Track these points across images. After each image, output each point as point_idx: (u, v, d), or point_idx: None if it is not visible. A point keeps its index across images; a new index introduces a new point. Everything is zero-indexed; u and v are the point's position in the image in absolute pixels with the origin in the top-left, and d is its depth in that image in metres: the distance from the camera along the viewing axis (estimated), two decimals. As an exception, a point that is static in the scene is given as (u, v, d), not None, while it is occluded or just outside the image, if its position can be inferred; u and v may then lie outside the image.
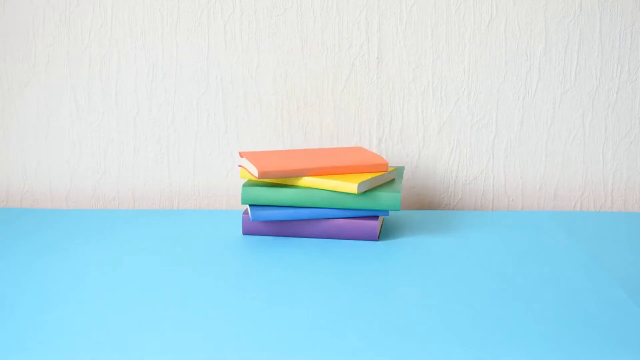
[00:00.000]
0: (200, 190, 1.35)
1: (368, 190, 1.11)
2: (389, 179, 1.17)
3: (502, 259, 1.03)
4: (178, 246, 1.09)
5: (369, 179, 1.11)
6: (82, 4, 1.29)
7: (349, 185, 1.09)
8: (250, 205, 1.13)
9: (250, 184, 1.13)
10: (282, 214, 1.11)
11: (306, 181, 1.11)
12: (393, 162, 1.33)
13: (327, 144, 1.33)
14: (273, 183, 1.13)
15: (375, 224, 1.11)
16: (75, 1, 1.29)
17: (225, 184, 1.35)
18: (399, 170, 1.23)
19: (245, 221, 1.14)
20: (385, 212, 1.11)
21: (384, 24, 1.29)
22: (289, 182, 1.12)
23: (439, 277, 0.96)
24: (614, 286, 0.94)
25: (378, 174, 1.14)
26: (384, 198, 1.10)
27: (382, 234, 1.14)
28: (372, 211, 1.11)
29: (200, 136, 1.33)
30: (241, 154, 1.18)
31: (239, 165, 1.16)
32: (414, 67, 1.30)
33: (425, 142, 1.32)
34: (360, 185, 1.09)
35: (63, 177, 1.34)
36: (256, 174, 1.11)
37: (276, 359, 0.74)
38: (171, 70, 1.31)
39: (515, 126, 1.31)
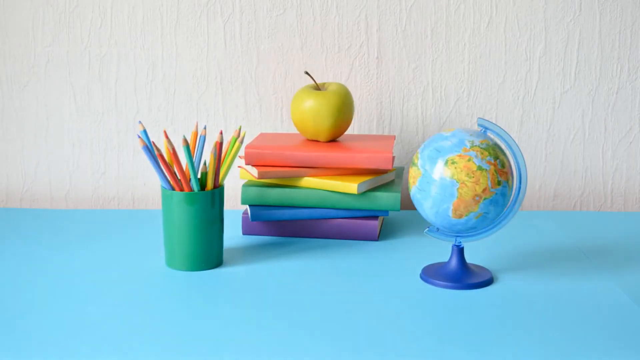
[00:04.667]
0: (200, 190, 1.35)
1: (368, 191, 1.11)
2: (389, 179, 1.17)
3: (502, 259, 1.03)
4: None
5: (369, 180, 1.11)
6: (82, 4, 1.29)
7: (349, 185, 1.09)
8: (250, 205, 1.13)
9: (250, 184, 1.13)
10: (282, 214, 1.11)
11: (306, 181, 1.11)
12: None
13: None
14: (273, 183, 1.13)
15: (375, 224, 1.11)
16: (75, 1, 1.29)
17: (225, 184, 1.34)
18: (399, 171, 1.23)
19: (245, 221, 1.14)
20: (385, 212, 1.11)
21: (384, 24, 1.29)
22: (289, 182, 1.12)
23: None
24: (614, 286, 0.94)
25: (378, 174, 1.14)
26: (384, 198, 1.10)
27: (382, 234, 1.15)
28: (372, 211, 1.11)
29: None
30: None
31: (239, 166, 1.16)
32: (414, 67, 1.30)
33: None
34: (360, 185, 1.09)
35: (63, 177, 1.34)
36: (256, 174, 1.11)
37: (276, 359, 0.74)
38: (171, 71, 1.31)
39: (515, 126, 1.31)
